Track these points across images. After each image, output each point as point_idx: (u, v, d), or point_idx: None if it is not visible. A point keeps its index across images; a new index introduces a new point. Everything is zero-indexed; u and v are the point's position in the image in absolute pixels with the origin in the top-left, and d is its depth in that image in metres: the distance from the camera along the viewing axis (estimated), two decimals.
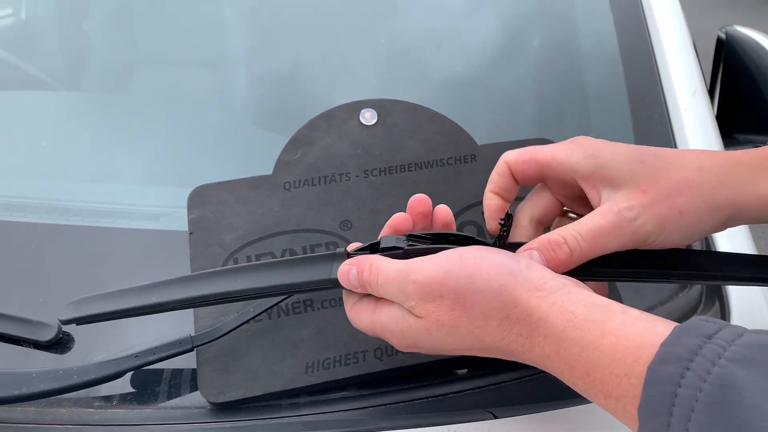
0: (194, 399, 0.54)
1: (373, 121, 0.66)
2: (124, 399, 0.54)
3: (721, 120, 0.94)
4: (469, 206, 0.62)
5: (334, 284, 0.49)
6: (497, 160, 0.55)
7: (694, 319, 0.36)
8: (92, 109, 0.87)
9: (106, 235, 0.66)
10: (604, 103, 0.75)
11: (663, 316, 0.59)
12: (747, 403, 0.31)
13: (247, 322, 0.53)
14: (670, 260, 0.49)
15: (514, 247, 0.48)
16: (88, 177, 0.78)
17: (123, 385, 0.55)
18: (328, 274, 0.49)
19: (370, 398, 0.54)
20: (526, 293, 0.42)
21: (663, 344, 0.35)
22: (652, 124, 0.76)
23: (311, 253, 0.59)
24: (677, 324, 0.37)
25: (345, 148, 0.64)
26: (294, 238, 0.60)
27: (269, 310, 0.55)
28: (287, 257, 0.54)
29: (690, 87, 0.77)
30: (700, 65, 0.84)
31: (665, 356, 0.35)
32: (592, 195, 0.49)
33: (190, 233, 0.60)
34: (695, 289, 0.62)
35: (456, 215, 0.62)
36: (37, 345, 0.56)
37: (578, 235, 0.46)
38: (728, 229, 0.50)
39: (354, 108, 0.66)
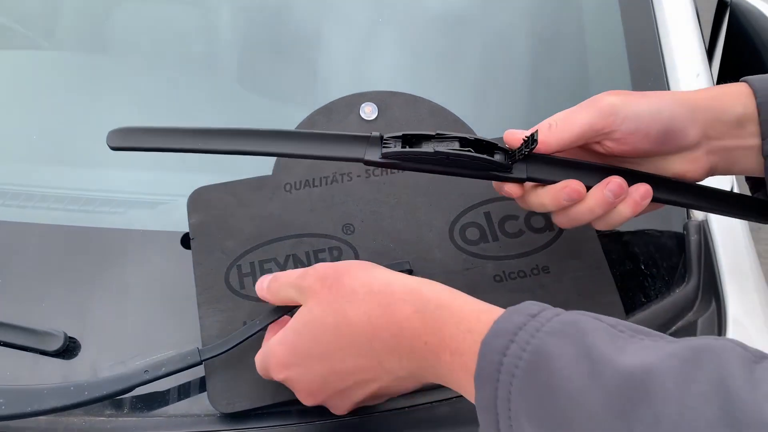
0: (203, 407, 0.55)
1: (374, 116, 0.65)
2: (135, 407, 0.56)
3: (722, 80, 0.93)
4: (470, 207, 0.62)
5: (365, 162, 0.53)
6: None
7: (524, 303, 0.42)
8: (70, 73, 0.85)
9: (107, 236, 0.65)
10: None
11: (661, 313, 0.62)
12: (555, 367, 0.37)
13: (254, 334, 0.53)
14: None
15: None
16: (78, 162, 0.77)
17: (133, 394, 0.56)
18: (362, 155, 0.53)
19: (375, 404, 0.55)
20: (391, 274, 0.48)
21: (495, 321, 0.41)
22: None
23: (314, 259, 0.59)
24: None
25: None
26: (297, 243, 0.60)
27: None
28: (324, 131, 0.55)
29: (694, 70, 0.76)
30: (702, 35, 0.82)
31: (496, 331, 0.40)
32: None
33: (192, 239, 0.59)
34: (691, 287, 0.63)
35: (458, 216, 0.62)
36: (44, 353, 0.57)
37: (554, 119, 0.53)
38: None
39: (354, 102, 0.65)
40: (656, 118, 0.52)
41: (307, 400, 0.50)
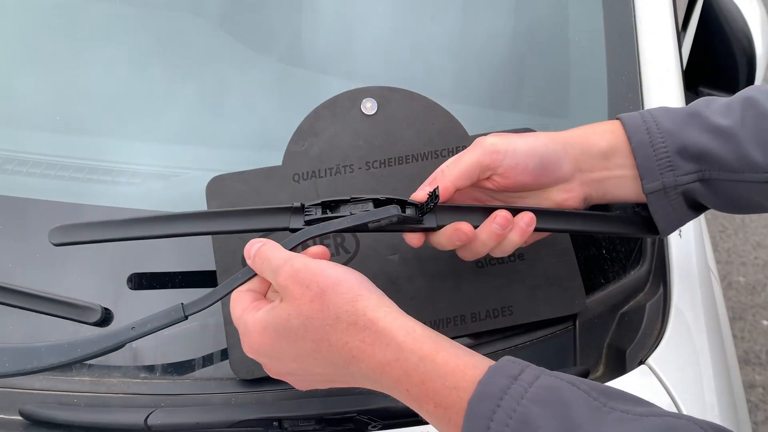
0: (225, 372, 0.64)
1: (374, 111, 0.71)
2: (166, 371, 0.65)
3: (689, 72, 1.01)
4: None
5: (290, 230, 0.57)
6: None
7: (504, 359, 0.46)
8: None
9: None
10: (584, 86, 0.80)
11: (616, 294, 0.71)
12: None
13: (232, 291, 0.57)
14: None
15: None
16: (97, 133, 0.82)
17: (165, 359, 0.65)
18: (287, 223, 0.58)
19: None
20: (376, 306, 0.49)
21: (480, 382, 0.44)
22: (626, 89, 0.83)
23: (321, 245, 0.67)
24: (488, 360, 0.47)
25: (348, 139, 0.70)
26: (305, 230, 0.67)
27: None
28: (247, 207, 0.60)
29: (665, 65, 0.83)
30: (677, 25, 0.89)
31: (481, 394, 0.44)
32: None
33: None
34: (644, 270, 0.73)
35: None
36: (84, 323, 0.65)
37: (446, 164, 0.60)
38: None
39: (356, 96, 0.71)
40: (532, 153, 0.59)
41: (271, 374, 0.55)
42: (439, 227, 0.59)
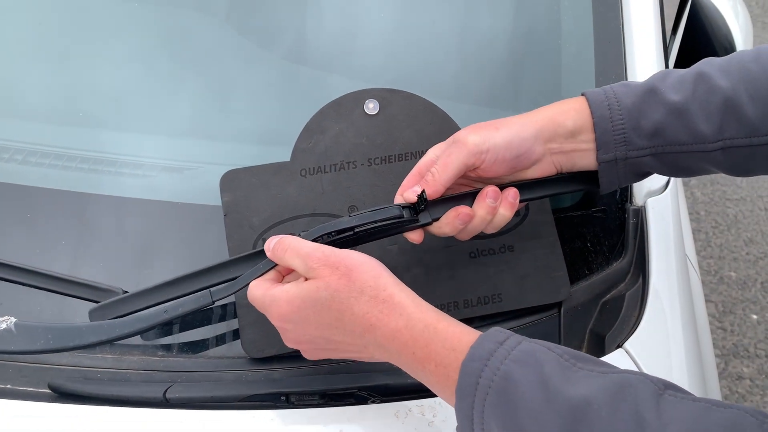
0: (236, 351, 0.70)
1: (376, 111, 0.76)
2: (182, 349, 0.70)
3: (679, 66, 1.06)
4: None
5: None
6: None
7: (492, 329, 0.54)
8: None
9: (156, 207, 0.78)
10: (575, 86, 0.86)
11: (598, 285, 0.77)
12: (520, 390, 0.49)
13: (258, 276, 0.63)
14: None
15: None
16: (112, 126, 0.87)
17: (181, 340, 0.70)
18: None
19: None
20: (393, 284, 0.58)
21: (472, 346, 0.53)
22: None
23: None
24: (474, 331, 0.55)
25: (351, 137, 0.75)
26: (311, 221, 0.73)
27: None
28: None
29: (650, 65, 0.88)
30: (664, 28, 0.94)
31: (472, 355, 0.52)
32: None
33: (225, 215, 0.72)
34: (625, 262, 0.78)
35: None
36: None
37: (435, 168, 0.65)
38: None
39: (359, 97, 0.76)
40: (509, 147, 0.65)
41: (288, 343, 0.62)
42: (434, 220, 0.65)
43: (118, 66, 0.89)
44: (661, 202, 0.81)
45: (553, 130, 0.66)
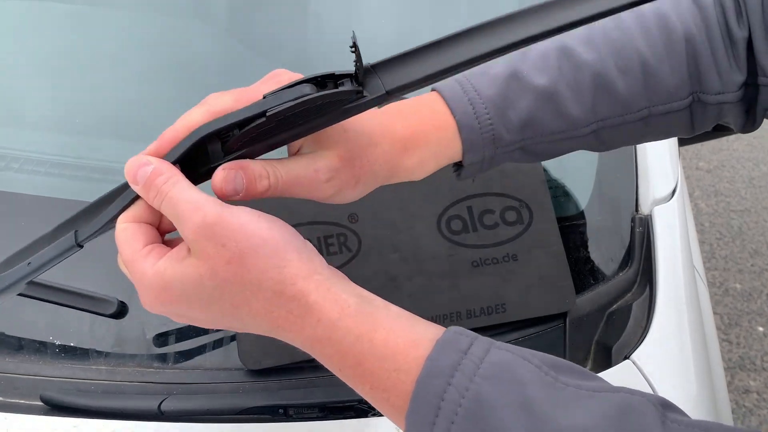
0: (233, 362, 0.68)
1: None
2: (177, 361, 0.69)
3: None
4: (455, 202, 0.74)
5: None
6: None
7: (450, 332, 0.42)
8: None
9: None
10: None
11: (604, 294, 0.75)
12: (497, 418, 0.38)
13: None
14: None
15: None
16: (114, 135, 0.87)
17: (177, 350, 0.69)
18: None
19: None
20: (306, 275, 0.43)
21: (428, 358, 0.40)
22: None
23: (325, 244, 0.71)
24: (435, 326, 0.43)
25: None
26: (311, 229, 0.71)
27: None
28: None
29: None
30: None
31: (431, 371, 0.40)
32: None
33: None
34: (631, 272, 0.77)
35: (445, 209, 0.74)
36: (101, 315, 0.69)
37: (281, 176, 0.48)
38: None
39: None
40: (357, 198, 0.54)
41: (176, 320, 0.48)
42: (390, 93, 0.46)
43: (124, 77, 0.89)
44: (668, 211, 0.80)
45: (423, 146, 0.55)
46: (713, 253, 2.54)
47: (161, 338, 0.69)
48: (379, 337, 0.42)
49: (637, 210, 0.80)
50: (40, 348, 0.69)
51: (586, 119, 0.57)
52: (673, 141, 0.84)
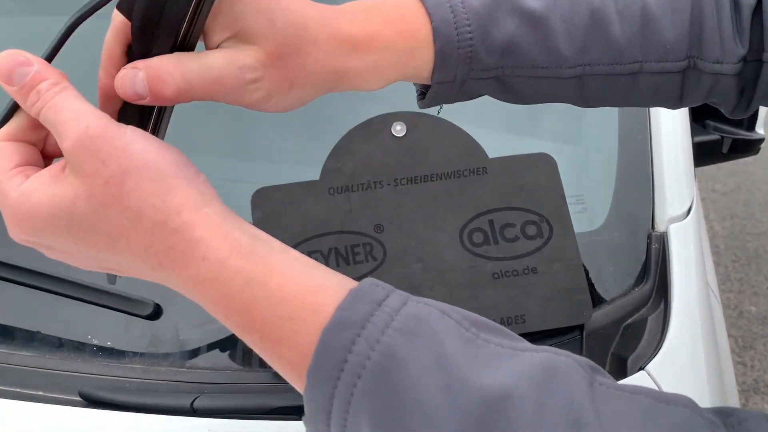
0: (262, 364, 0.71)
1: (403, 133, 0.78)
2: (209, 362, 0.72)
3: (697, 107, 1.08)
4: (477, 215, 0.77)
5: None
6: (505, 173, 0.70)
7: (366, 282, 0.38)
8: None
9: None
10: (597, 116, 0.87)
11: (620, 308, 0.77)
12: (408, 374, 0.34)
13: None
14: None
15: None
16: None
17: (208, 351, 0.72)
18: None
19: None
20: (195, 206, 0.39)
21: (339, 308, 0.36)
22: (635, 119, 0.90)
23: (352, 254, 0.74)
24: (339, 276, 0.39)
25: (379, 158, 0.77)
26: (338, 238, 0.74)
27: None
28: None
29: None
30: None
31: (339, 321, 0.36)
32: (208, 35, 0.44)
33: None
34: (647, 287, 0.79)
35: (467, 222, 0.77)
36: (137, 316, 0.72)
37: (194, 75, 0.42)
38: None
39: (387, 120, 0.78)
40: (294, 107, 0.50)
41: (49, 255, 0.44)
42: None
43: None
44: (684, 229, 0.82)
45: (390, 55, 0.49)
46: (728, 276, 2.54)
47: (193, 339, 0.72)
48: (274, 281, 0.38)
49: (653, 227, 0.82)
50: (79, 347, 0.72)
51: (573, 59, 0.51)
52: (688, 160, 0.87)
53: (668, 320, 0.74)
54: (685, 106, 0.57)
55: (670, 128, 0.86)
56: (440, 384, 0.34)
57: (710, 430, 0.34)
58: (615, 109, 0.86)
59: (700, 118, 1.04)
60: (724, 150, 1.03)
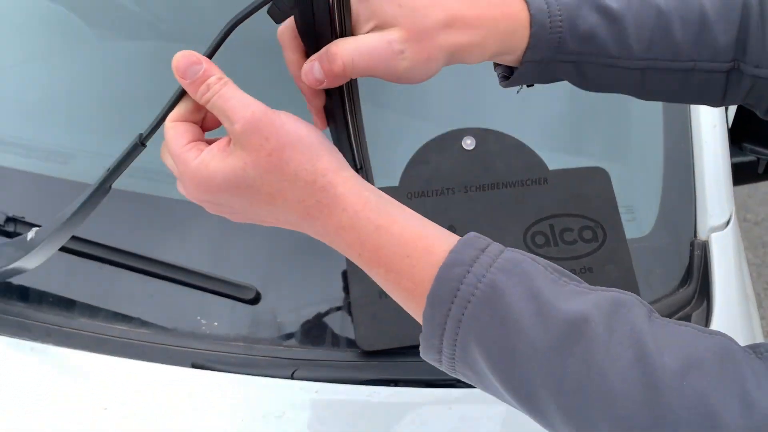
0: (350, 344, 0.81)
1: (472, 147, 0.88)
2: (304, 341, 0.81)
3: (735, 130, 1.16)
4: (539, 220, 0.87)
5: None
6: (564, 183, 0.80)
7: (471, 234, 0.48)
8: None
9: None
10: (643, 137, 0.97)
11: (666, 306, 0.86)
12: (507, 302, 0.44)
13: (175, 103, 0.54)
14: None
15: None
16: None
17: (303, 331, 0.82)
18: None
19: None
20: (335, 169, 0.49)
21: (452, 251, 0.46)
22: (678, 140, 0.99)
23: None
24: (440, 228, 0.50)
25: (451, 167, 0.87)
26: None
27: None
28: None
29: (712, 121, 0.99)
30: None
31: (453, 261, 0.45)
32: (357, 29, 0.54)
33: None
34: (690, 289, 0.87)
35: (530, 226, 0.86)
36: (241, 300, 0.83)
37: (354, 52, 0.51)
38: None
39: (459, 135, 0.89)
40: (427, 77, 0.56)
41: (210, 211, 0.54)
42: None
43: None
44: (724, 238, 0.91)
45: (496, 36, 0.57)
46: (761, 303, 2.58)
47: (289, 322, 0.82)
48: (396, 229, 0.48)
49: (695, 236, 0.91)
50: (190, 326, 0.82)
51: (640, 53, 0.60)
52: (727, 176, 0.96)
53: (710, 317, 0.83)
54: (726, 105, 0.66)
55: (711, 147, 0.95)
56: (533, 309, 0.44)
57: (744, 353, 0.43)
58: (660, 130, 0.95)
59: (737, 140, 1.13)
60: (760, 170, 1.12)
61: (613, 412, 0.41)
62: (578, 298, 0.44)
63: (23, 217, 0.83)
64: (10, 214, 0.82)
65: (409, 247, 0.47)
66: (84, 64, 1.13)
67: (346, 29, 0.53)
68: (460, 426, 0.72)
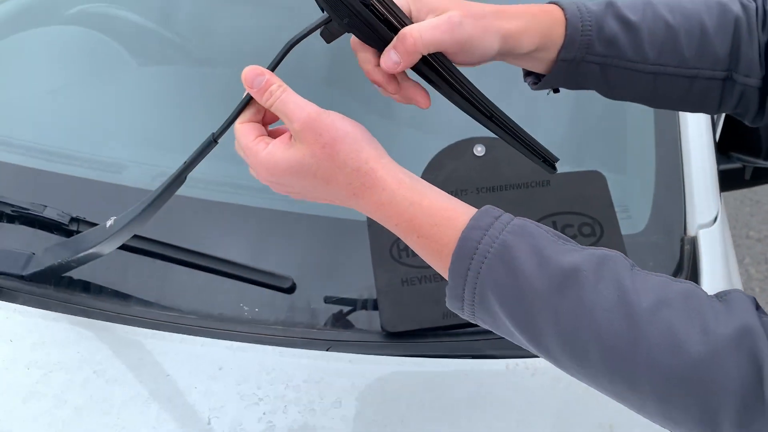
0: (376, 326, 0.90)
1: (483, 153, 0.99)
2: (335, 324, 0.91)
3: (722, 141, 1.27)
4: (542, 217, 0.97)
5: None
6: (565, 185, 0.90)
7: (486, 206, 0.58)
8: None
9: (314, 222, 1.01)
10: (637, 149, 1.08)
11: None
12: (515, 256, 0.54)
13: (243, 108, 0.65)
14: None
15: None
16: None
17: (334, 315, 0.91)
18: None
19: None
20: (375, 158, 0.60)
21: (472, 218, 0.57)
22: (669, 147, 1.09)
23: None
24: (461, 203, 0.60)
25: (464, 171, 0.98)
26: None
27: None
28: None
29: (698, 130, 1.09)
30: None
31: (473, 226, 0.56)
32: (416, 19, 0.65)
33: (369, 226, 0.95)
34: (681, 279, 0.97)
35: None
36: (278, 289, 0.93)
37: (421, 28, 0.62)
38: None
39: (470, 143, 0.99)
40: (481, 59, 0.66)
41: (274, 190, 0.65)
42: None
43: None
44: (711, 234, 1.00)
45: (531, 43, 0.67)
46: None
47: (322, 309, 0.92)
48: (425, 203, 0.59)
49: (685, 232, 1.01)
50: (233, 312, 0.92)
51: (653, 58, 0.69)
52: (714, 178, 1.05)
53: None
54: (721, 112, 0.77)
55: (698, 153, 1.05)
56: (536, 262, 0.54)
57: (707, 296, 0.53)
58: (652, 138, 1.06)
59: (725, 150, 1.24)
60: (747, 176, 1.22)
61: (600, 340, 0.52)
62: (573, 253, 0.55)
63: (84, 218, 0.94)
64: (74, 215, 0.93)
65: (437, 217, 0.58)
66: (127, 87, 1.26)
67: (405, 22, 0.63)
68: (478, 390, 0.81)
